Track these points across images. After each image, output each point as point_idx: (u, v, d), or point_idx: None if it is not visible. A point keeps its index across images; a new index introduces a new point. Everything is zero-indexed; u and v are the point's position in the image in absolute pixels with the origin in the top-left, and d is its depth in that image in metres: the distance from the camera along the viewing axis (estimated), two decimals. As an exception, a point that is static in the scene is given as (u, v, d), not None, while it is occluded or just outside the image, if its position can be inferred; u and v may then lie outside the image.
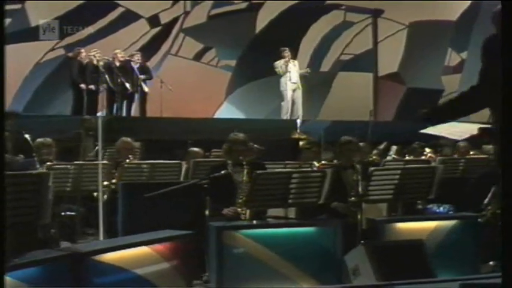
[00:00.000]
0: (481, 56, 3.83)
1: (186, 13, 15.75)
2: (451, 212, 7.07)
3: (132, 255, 4.38)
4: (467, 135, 5.40)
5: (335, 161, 7.43)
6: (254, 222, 5.69)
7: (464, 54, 16.38)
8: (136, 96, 13.49)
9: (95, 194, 7.47)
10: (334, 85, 16.37)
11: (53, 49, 14.91)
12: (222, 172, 6.19)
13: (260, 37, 15.97)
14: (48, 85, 14.79)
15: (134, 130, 11.88)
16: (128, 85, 13.03)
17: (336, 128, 12.24)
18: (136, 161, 7.92)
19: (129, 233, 6.46)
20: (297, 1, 16.06)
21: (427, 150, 9.71)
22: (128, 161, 8.13)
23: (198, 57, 15.75)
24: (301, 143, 10.54)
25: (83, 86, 13.03)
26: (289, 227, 5.66)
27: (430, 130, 5.61)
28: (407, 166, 6.75)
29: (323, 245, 5.61)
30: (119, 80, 12.99)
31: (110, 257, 4.21)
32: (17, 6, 14.63)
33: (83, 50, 13.37)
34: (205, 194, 6.10)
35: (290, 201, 5.92)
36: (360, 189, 5.97)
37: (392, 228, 5.85)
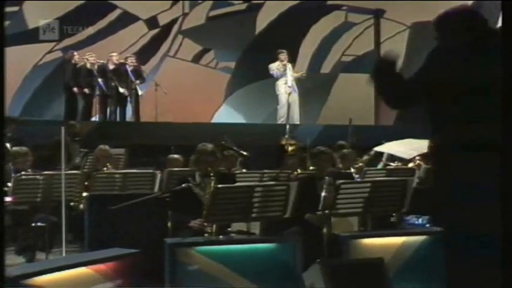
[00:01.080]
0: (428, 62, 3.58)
1: (185, 14, 15.65)
2: (428, 225, 6.86)
3: (69, 276, 4.25)
4: (415, 154, 5.15)
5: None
6: (211, 238, 5.53)
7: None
8: (130, 99, 13.39)
9: (72, 203, 7.42)
10: (335, 87, 16.18)
11: (50, 51, 14.89)
12: (182, 185, 6.07)
13: (260, 38, 15.83)
14: (46, 87, 14.77)
15: (124, 135, 11.85)
16: (121, 89, 12.93)
17: (329, 132, 12.08)
18: (108, 171, 7.79)
19: (94, 245, 6.41)
20: (297, 1, 15.89)
21: (417, 157, 9.48)
22: (105, 169, 8.09)
23: (196, 59, 15.65)
24: (290, 148, 10.38)
25: (75, 89, 12.96)
26: (247, 243, 5.50)
27: (382, 148, 5.43)
28: (376, 179, 6.56)
29: (282, 261, 5.44)
30: (113, 84, 12.90)
31: (43, 279, 4.08)
32: (15, 8, 14.60)
33: (76, 53, 13.30)
34: (167, 208, 5.97)
35: (254, 215, 5.76)
36: (321, 202, 5.82)
37: (357, 244, 5.66)
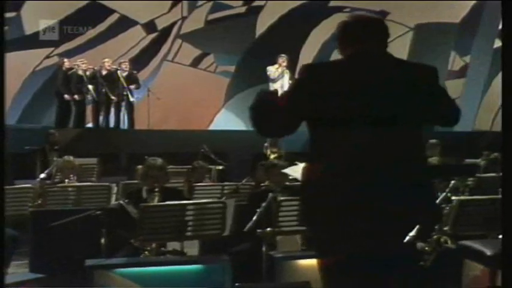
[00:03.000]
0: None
1: (183, 18, 15.47)
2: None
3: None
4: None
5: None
6: (131, 260, 5.34)
7: (467, 58, 15.70)
8: (126, 106, 13.27)
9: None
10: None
11: (49, 56, 14.84)
12: (114, 203, 5.90)
13: (260, 42, 15.60)
14: (45, 92, 14.71)
15: (110, 143, 11.73)
16: (111, 95, 12.80)
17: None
18: (61, 184, 7.64)
19: (36, 262, 6.29)
20: (299, 2, 15.61)
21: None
22: (67, 181, 7.95)
23: (195, 63, 15.47)
24: (272, 157, 10.14)
25: (67, 96, 12.88)
26: (173, 265, 5.29)
27: (288, 170, 5.17)
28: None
29: (209, 283, 5.21)
30: (103, 90, 12.78)
31: None
32: (12, 14, 14.60)
33: (66, 60, 13.22)
34: (100, 226, 5.79)
35: (188, 233, 5.59)
36: (252, 219, 5.59)
37: (292, 266, 5.40)
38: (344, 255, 3.12)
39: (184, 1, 15.43)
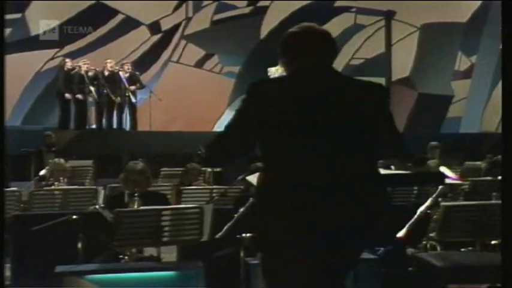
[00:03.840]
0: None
1: (188, 19, 15.40)
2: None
3: None
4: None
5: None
6: (103, 267, 5.27)
7: (473, 59, 15.51)
8: (129, 107, 13.24)
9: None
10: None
11: (52, 58, 14.83)
12: (90, 208, 5.85)
13: (265, 42, 15.50)
14: (48, 94, 14.69)
15: (111, 144, 11.70)
16: (113, 97, 12.77)
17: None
18: (47, 188, 7.59)
19: (18, 267, 6.24)
20: (305, 2, 15.49)
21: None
22: (57, 183, 7.91)
23: (200, 64, 15.40)
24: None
25: (68, 96, 12.85)
26: (145, 271, 5.21)
27: (250, 177, 5.06)
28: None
29: (182, 291, 5.14)
30: (105, 91, 12.75)
31: None
32: (17, 15, 14.61)
33: (67, 60, 13.20)
34: (77, 230, 5.73)
35: (165, 239, 5.49)
36: (229, 225, 5.48)
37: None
38: (289, 264, 3.04)
39: (189, 1, 15.36)
